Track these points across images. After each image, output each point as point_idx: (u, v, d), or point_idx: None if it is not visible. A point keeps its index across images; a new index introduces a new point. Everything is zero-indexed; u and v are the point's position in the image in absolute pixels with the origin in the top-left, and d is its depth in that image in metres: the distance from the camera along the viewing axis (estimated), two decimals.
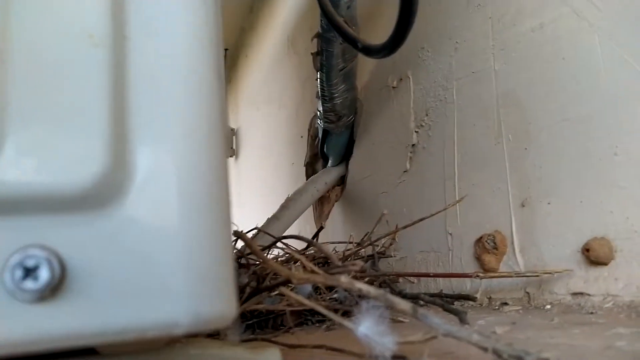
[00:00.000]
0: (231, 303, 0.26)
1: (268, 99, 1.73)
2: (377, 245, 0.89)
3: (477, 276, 0.66)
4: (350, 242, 0.83)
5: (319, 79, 1.06)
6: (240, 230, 0.73)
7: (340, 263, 0.46)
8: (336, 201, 1.22)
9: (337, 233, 1.18)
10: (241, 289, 0.64)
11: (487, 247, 0.73)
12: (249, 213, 1.89)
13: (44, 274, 0.20)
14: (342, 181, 1.21)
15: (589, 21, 0.64)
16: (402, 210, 0.95)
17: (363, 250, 0.85)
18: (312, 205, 1.29)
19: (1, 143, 0.21)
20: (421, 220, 0.77)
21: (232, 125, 2.16)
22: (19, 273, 0.20)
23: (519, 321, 0.55)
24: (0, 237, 0.21)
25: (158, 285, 0.23)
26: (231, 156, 2.13)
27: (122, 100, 0.24)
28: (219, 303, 0.26)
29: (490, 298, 0.72)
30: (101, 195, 0.23)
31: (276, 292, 0.67)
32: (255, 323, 0.69)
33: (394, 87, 1.02)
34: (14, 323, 0.20)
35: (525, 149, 0.71)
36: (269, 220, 1.09)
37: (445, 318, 0.56)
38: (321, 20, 0.94)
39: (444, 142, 0.87)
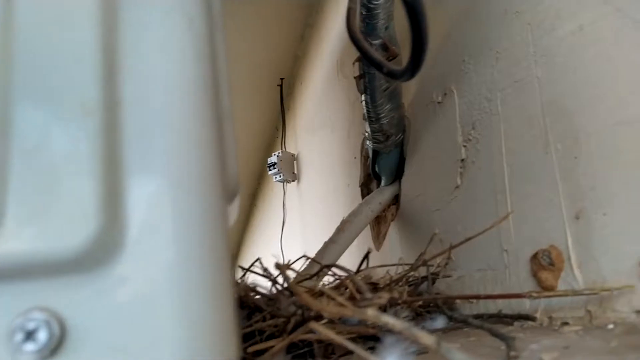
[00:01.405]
0: (230, 349, 0.27)
1: (322, 123, 1.75)
2: (432, 266, 0.87)
3: (530, 296, 0.63)
4: (401, 264, 0.82)
5: (364, 101, 1.07)
6: (287, 261, 0.74)
7: (370, 295, 0.46)
8: (392, 220, 1.21)
9: (395, 253, 1.17)
10: (288, 319, 0.65)
11: (543, 264, 0.69)
12: (312, 234, 1.91)
13: (42, 336, 0.22)
14: (396, 200, 1.19)
15: (633, 17, 0.60)
16: (456, 228, 0.93)
17: (415, 272, 0.83)
18: (369, 226, 1.28)
19: (3, 216, 0.23)
20: (470, 238, 0.74)
21: (293, 150, 2.22)
22: (19, 336, 0.22)
23: (575, 344, 0.52)
24: (4, 302, 0.23)
25: (153, 338, 0.25)
26: (292, 181, 2.18)
27: (114, 161, 0.26)
28: (217, 351, 0.27)
29: (550, 317, 0.68)
30: (97, 254, 0.25)
31: (325, 321, 0.67)
32: (307, 352, 0.69)
33: (439, 102, 1.00)
34: None
35: (575, 157, 0.67)
36: (326, 244, 1.10)
37: (493, 345, 0.54)
38: None
39: (492, 155, 0.84)
